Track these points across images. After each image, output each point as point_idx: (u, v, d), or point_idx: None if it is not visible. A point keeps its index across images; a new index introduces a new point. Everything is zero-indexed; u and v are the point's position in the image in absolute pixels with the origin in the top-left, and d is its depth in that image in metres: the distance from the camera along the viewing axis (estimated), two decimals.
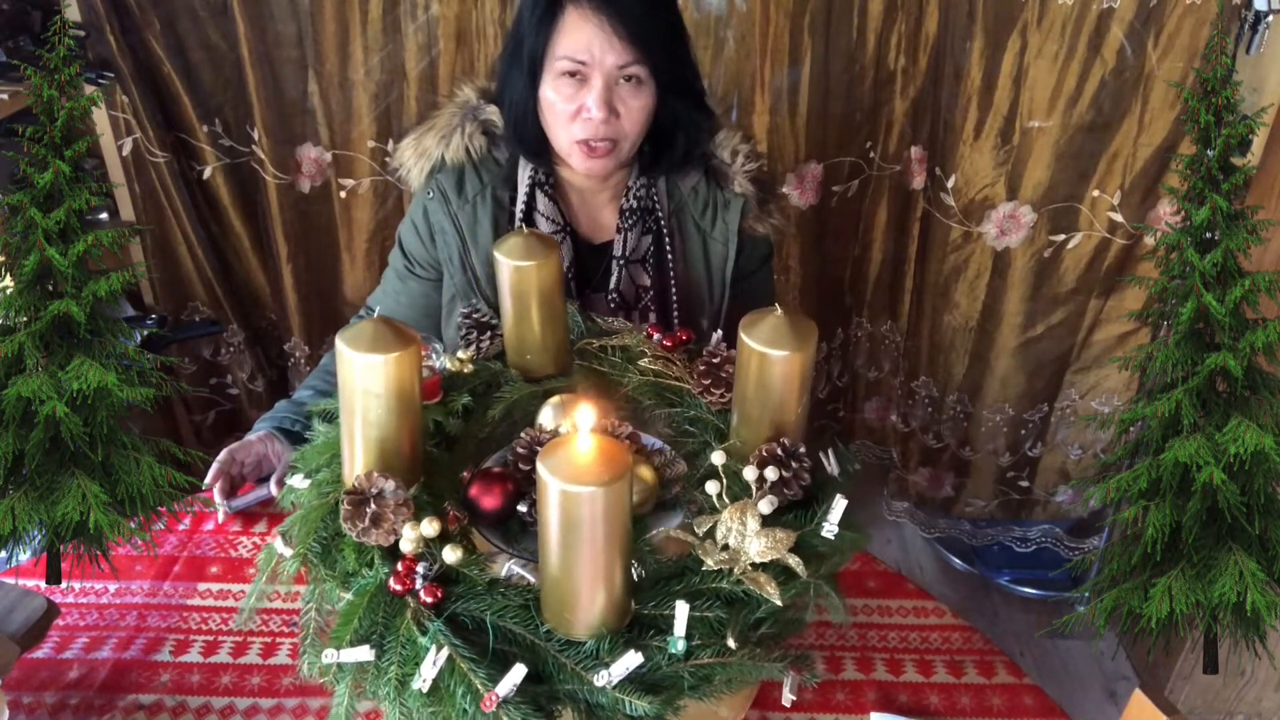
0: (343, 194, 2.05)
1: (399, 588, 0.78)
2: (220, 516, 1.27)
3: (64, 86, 0.94)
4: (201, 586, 1.19)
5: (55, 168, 0.93)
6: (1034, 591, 2.19)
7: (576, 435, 0.71)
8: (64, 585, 1.03)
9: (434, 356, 1.03)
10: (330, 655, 0.76)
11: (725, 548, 0.82)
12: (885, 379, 2.34)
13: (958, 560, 2.28)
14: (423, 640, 0.75)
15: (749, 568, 0.80)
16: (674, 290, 1.31)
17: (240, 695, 1.04)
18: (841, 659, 1.09)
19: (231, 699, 1.03)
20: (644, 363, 1.06)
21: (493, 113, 1.29)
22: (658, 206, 1.30)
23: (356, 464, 0.85)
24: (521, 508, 0.91)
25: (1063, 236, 1.91)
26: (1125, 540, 0.99)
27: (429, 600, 0.77)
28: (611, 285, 1.29)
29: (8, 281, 0.95)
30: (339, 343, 0.80)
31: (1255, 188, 1.61)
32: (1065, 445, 2.14)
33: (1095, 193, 1.86)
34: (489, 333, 1.11)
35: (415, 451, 0.87)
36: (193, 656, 1.08)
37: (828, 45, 1.90)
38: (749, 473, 0.84)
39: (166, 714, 1.02)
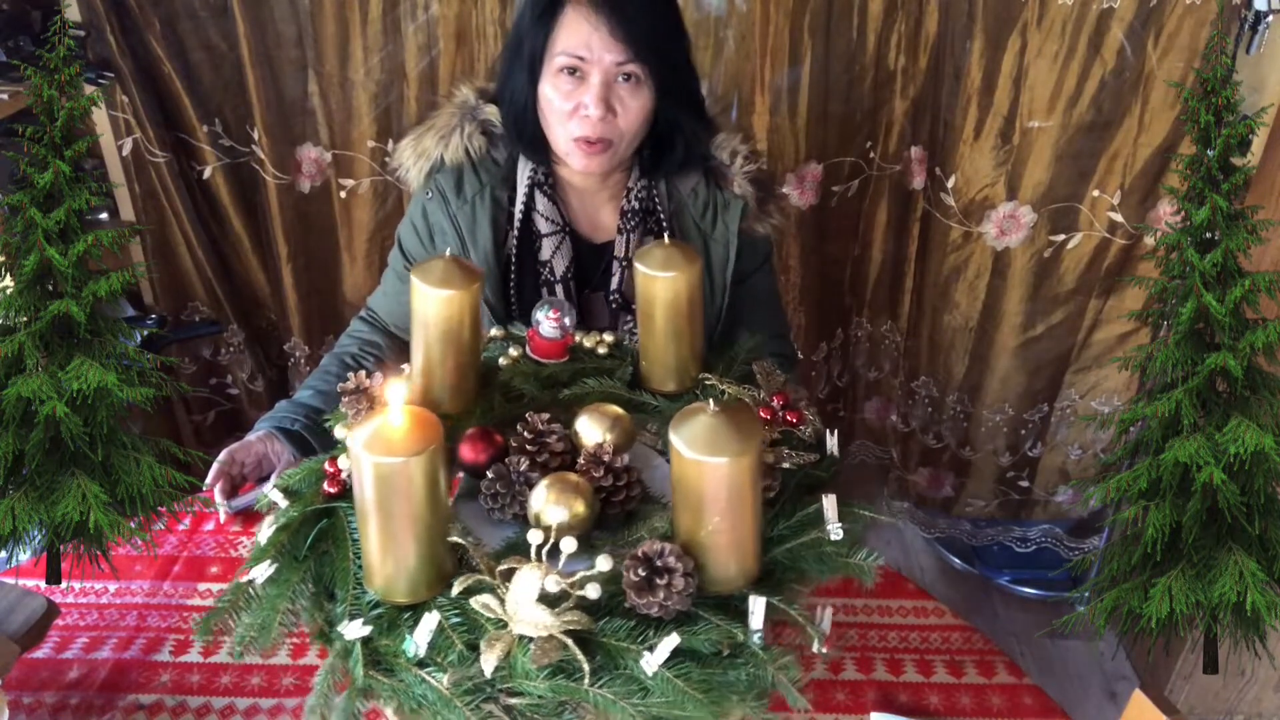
0: (343, 194, 2.05)
1: (329, 470, 0.88)
2: (221, 516, 1.27)
3: (64, 86, 0.94)
4: (201, 586, 1.19)
5: (55, 168, 0.93)
6: (1034, 591, 2.19)
7: (389, 409, 0.73)
8: (64, 585, 1.03)
9: (568, 321, 1.04)
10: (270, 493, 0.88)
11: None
12: (885, 379, 2.34)
13: (958, 560, 2.28)
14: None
15: (513, 631, 0.73)
16: None
17: (240, 695, 1.04)
18: (841, 659, 1.09)
19: (231, 699, 1.03)
20: None
21: (491, 113, 1.29)
22: (659, 208, 1.31)
23: (414, 375, 0.97)
24: (489, 474, 0.89)
25: (1063, 236, 1.91)
26: (1125, 540, 0.99)
27: (330, 489, 0.87)
28: (613, 286, 1.29)
29: (8, 281, 0.95)
30: (413, 275, 0.92)
31: (1255, 188, 1.61)
32: (1065, 445, 2.14)
33: (1095, 193, 1.86)
34: None
35: (462, 383, 0.97)
36: (193, 656, 1.08)
37: (828, 45, 1.90)
38: (567, 544, 0.74)
39: (166, 714, 1.02)
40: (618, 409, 0.94)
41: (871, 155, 2.06)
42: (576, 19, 1.16)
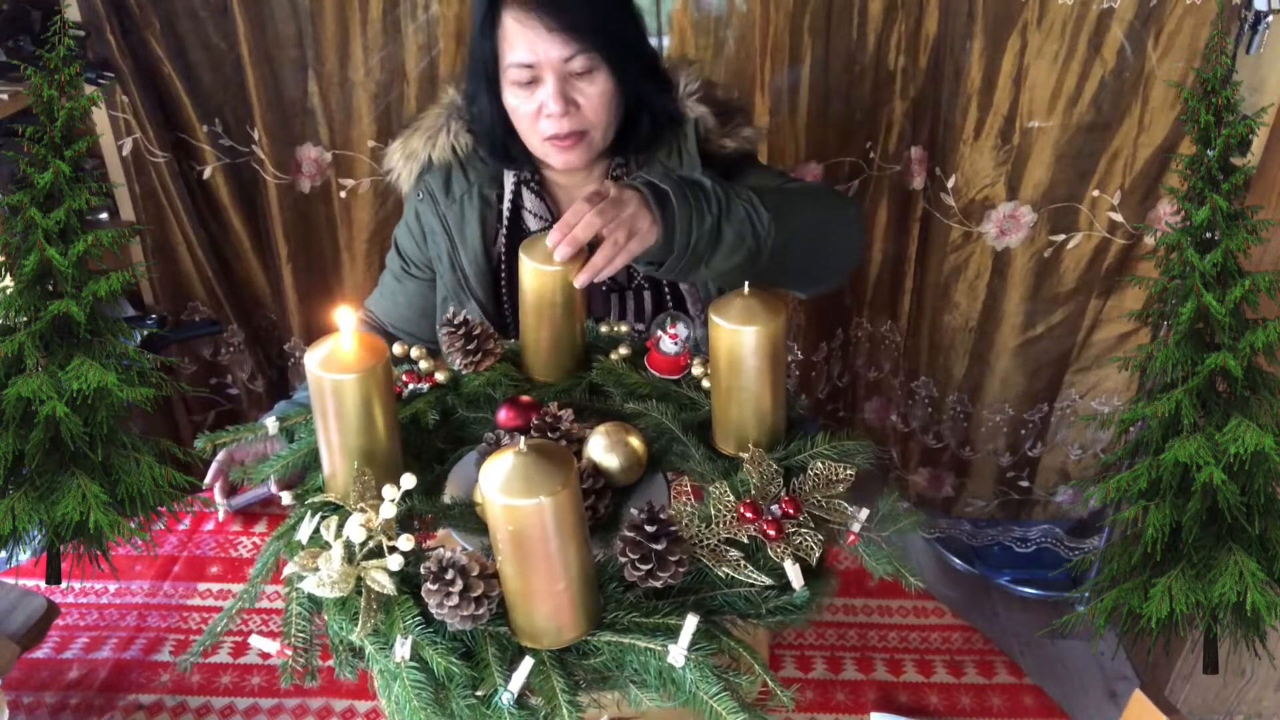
0: (343, 194, 2.05)
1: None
2: (220, 516, 1.28)
3: (64, 86, 0.94)
4: (201, 586, 1.19)
5: (55, 168, 0.93)
6: (1034, 591, 2.19)
7: (340, 335, 0.81)
8: (64, 585, 1.03)
9: (684, 333, 1.00)
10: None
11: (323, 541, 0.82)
12: (885, 379, 2.34)
13: (958, 560, 2.28)
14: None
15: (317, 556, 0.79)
16: None
17: (240, 695, 1.04)
18: (841, 659, 1.09)
19: (231, 699, 1.03)
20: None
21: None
22: None
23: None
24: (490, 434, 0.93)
25: (1063, 236, 1.91)
26: (1125, 540, 0.99)
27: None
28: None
29: (8, 281, 0.95)
30: (521, 248, 0.98)
31: (1255, 188, 1.61)
32: (1065, 445, 2.14)
33: (1095, 193, 1.86)
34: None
35: (553, 357, 1.02)
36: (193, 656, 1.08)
37: (828, 45, 1.90)
38: (352, 523, 0.78)
39: (166, 714, 1.02)
40: (635, 440, 0.91)
41: (871, 155, 2.06)
42: (515, 25, 1.15)
